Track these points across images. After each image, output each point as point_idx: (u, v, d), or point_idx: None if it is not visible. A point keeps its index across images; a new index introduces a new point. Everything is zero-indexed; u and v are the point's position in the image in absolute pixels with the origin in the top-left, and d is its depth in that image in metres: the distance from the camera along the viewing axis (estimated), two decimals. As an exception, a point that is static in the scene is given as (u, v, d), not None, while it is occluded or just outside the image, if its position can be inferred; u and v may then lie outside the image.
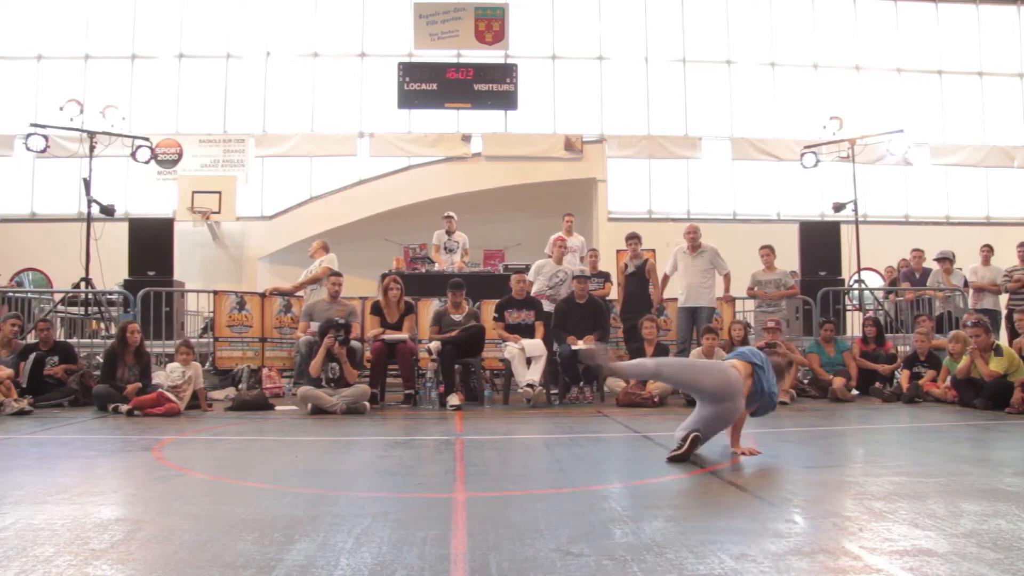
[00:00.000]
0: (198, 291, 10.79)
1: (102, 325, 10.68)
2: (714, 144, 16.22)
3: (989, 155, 16.58)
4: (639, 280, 9.02)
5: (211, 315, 9.46)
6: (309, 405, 6.95)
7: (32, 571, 2.41)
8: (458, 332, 7.76)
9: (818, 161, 12.91)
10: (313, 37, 15.95)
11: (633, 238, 9.16)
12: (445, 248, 10.74)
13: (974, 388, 7.27)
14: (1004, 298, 10.31)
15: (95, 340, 9.71)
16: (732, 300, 9.56)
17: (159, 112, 15.43)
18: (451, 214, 11.04)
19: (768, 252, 9.62)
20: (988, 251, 10.62)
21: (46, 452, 4.92)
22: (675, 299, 9.11)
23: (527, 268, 9.35)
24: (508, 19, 15.65)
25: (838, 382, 8.12)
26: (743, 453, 4.45)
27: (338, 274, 8.56)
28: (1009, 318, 9.69)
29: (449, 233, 10.84)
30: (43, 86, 15.29)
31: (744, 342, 8.38)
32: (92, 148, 10.81)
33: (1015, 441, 5.49)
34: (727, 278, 8.98)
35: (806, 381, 8.63)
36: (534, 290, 8.83)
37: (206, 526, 2.94)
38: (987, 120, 16.78)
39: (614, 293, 9.63)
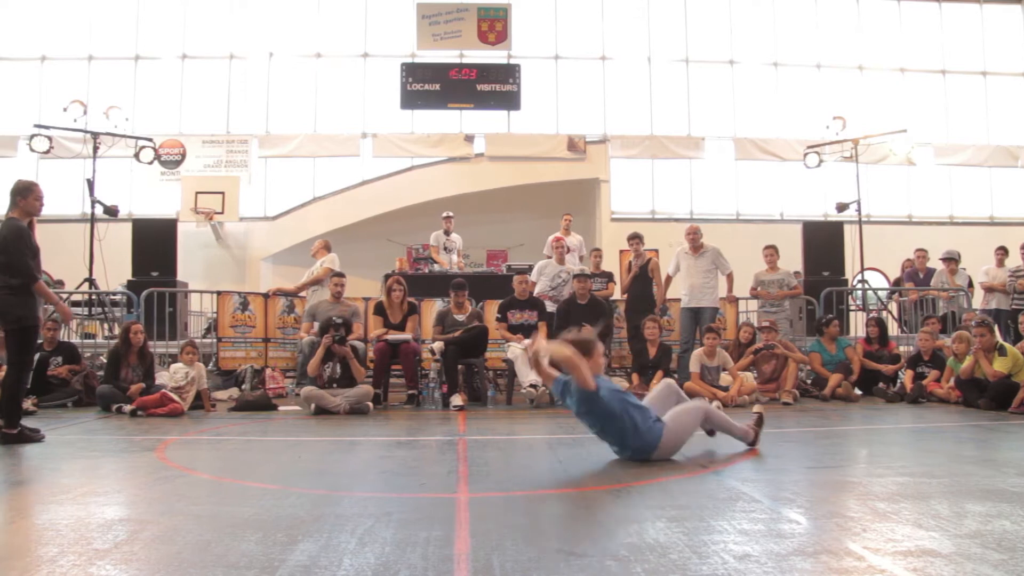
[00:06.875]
0: (201, 291, 10.79)
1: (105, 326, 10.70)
2: (717, 144, 16.18)
3: (993, 155, 16.52)
4: (643, 280, 9.01)
5: (214, 316, 9.47)
6: (312, 405, 6.95)
7: (36, 571, 2.42)
8: (461, 332, 7.76)
9: (821, 161, 12.90)
10: (316, 38, 15.94)
11: (635, 238, 9.14)
12: (444, 248, 10.77)
13: (978, 388, 7.25)
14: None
15: (98, 340, 9.73)
16: (735, 300, 9.54)
17: (162, 113, 15.43)
18: (449, 214, 11.05)
19: (771, 252, 9.60)
20: (1003, 253, 10.63)
21: (50, 452, 4.93)
22: (678, 299, 9.10)
23: (530, 268, 9.35)
24: (511, 19, 15.63)
25: (835, 379, 8.10)
26: None
27: (341, 275, 8.56)
28: (1015, 318, 9.66)
29: (447, 233, 10.85)
30: (47, 87, 15.32)
31: (751, 343, 8.37)
32: (96, 149, 10.84)
33: (1019, 441, 5.48)
34: (730, 278, 8.96)
35: (809, 381, 8.62)
36: (536, 290, 8.83)
37: (209, 526, 2.95)
38: (991, 120, 16.73)
39: (617, 293, 9.63)
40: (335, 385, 7.10)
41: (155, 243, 9.99)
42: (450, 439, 5.49)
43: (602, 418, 4.32)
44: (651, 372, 7.90)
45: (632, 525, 2.96)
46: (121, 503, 3.54)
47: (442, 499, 3.49)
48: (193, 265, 13.54)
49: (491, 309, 8.68)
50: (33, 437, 5.19)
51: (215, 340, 9.13)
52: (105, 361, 7.87)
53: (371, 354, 7.97)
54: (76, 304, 10.35)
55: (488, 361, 8.51)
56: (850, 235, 11.27)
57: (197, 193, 14.58)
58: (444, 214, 11.07)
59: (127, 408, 6.81)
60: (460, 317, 7.99)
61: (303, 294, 9.37)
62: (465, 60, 15.66)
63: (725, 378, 7.76)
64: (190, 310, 10.55)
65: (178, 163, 15.06)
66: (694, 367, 7.67)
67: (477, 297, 8.75)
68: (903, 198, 16.52)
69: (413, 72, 15.28)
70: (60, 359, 7.77)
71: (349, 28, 15.95)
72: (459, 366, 7.71)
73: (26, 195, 5.34)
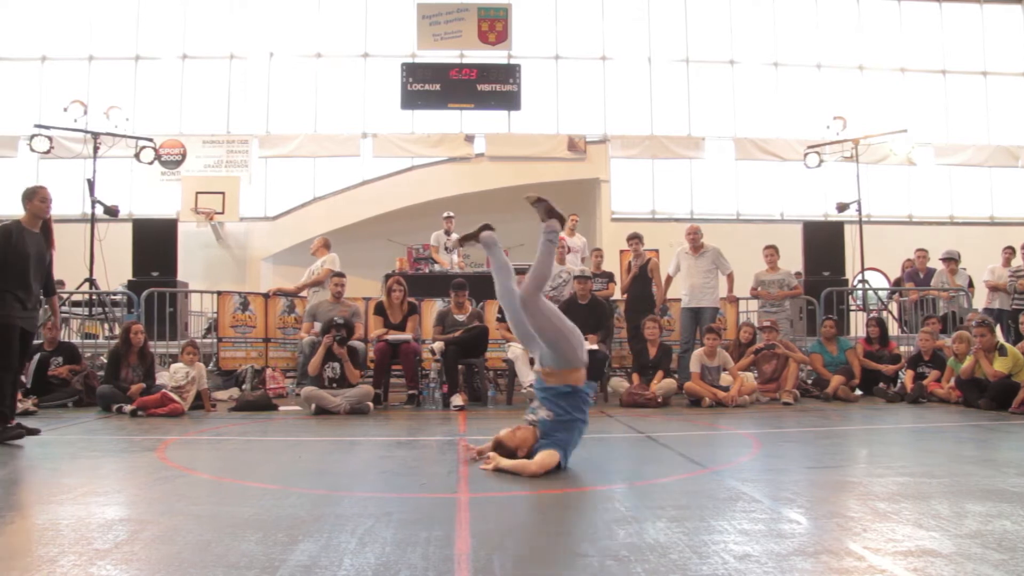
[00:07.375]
0: (202, 292, 10.79)
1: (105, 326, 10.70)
2: (717, 144, 16.18)
3: (993, 155, 16.53)
4: (643, 280, 9.01)
5: (215, 316, 9.47)
6: (313, 405, 6.95)
7: (36, 571, 2.42)
8: (461, 332, 7.76)
9: (821, 161, 12.90)
10: (316, 38, 15.94)
11: (634, 238, 9.14)
12: (444, 248, 10.76)
13: (978, 388, 7.25)
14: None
15: (99, 340, 9.73)
16: (735, 300, 9.53)
17: (163, 113, 15.44)
18: (450, 214, 11.05)
19: (772, 252, 9.60)
20: (1010, 253, 10.67)
21: (50, 452, 4.93)
22: (678, 299, 9.10)
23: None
24: (511, 19, 15.63)
25: (836, 380, 8.11)
26: None
27: (341, 275, 8.56)
28: (1016, 318, 9.67)
29: (448, 233, 10.85)
30: (47, 87, 15.32)
31: (752, 343, 8.38)
32: (96, 149, 10.84)
33: (1019, 441, 5.48)
34: (730, 278, 8.96)
35: (810, 382, 8.62)
36: (537, 291, 8.80)
37: (210, 526, 2.95)
38: (991, 120, 16.73)
39: (617, 293, 9.62)
40: (335, 385, 7.11)
41: (155, 243, 9.99)
42: (450, 439, 5.49)
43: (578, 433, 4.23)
44: (651, 372, 7.89)
45: (632, 525, 2.96)
46: (121, 503, 3.54)
47: (442, 499, 3.49)
48: (193, 265, 13.54)
49: (491, 309, 8.68)
50: (12, 432, 5.09)
51: (215, 340, 9.13)
52: (105, 361, 7.87)
53: (371, 354, 7.96)
54: (76, 304, 10.37)
55: (488, 361, 8.50)
56: (850, 235, 11.26)
57: (197, 193, 14.58)
58: (445, 214, 11.07)
59: (127, 408, 6.81)
60: (460, 317, 7.99)
61: (303, 294, 9.37)
62: (465, 60, 15.66)
63: (725, 378, 7.76)
64: (190, 310, 10.55)
65: (178, 163, 15.07)
66: (694, 367, 7.67)
67: (477, 297, 8.74)
68: (903, 198, 16.51)
69: (413, 72, 15.28)
70: (60, 359, 7.77)
71: (349, 28, 15.95)
72: (459, 366, 7.71)
73: (31, 198, 5.52)
